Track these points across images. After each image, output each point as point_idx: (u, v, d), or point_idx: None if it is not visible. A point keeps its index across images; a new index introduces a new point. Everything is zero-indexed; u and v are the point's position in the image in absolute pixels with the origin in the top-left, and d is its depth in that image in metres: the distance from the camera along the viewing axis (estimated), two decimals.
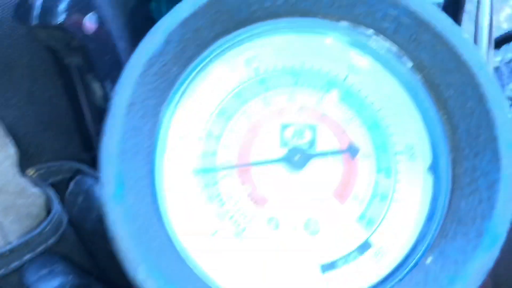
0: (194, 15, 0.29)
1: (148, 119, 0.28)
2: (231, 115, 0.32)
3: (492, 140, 0.27)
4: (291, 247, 0.29)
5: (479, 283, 0.24)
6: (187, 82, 0.31)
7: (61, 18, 0.36)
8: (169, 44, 0.28)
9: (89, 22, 0.39)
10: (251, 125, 0.31)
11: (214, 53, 0.31)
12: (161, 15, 0.53)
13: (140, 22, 0.51)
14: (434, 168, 0.30)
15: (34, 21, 0.36)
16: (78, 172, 0.45)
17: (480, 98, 0.27)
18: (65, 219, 0.44)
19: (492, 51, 0.41)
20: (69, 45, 0.39)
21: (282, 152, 0.31)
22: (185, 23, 0.28)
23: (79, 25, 0.38)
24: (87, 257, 0.47)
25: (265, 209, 0.30)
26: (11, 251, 0.40)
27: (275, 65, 0.33)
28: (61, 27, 0.36)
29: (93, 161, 0.47)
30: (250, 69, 0.33)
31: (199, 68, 0.31)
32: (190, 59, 0.30)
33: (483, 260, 0.24)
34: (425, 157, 0.31)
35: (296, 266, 0.29)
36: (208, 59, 0.31)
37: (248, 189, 0.30)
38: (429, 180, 0.30)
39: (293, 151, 0.30)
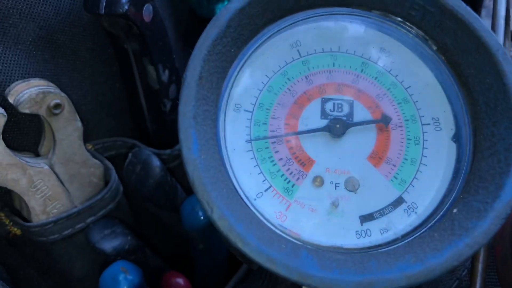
0: (250, 4, 0.34)
1: (213, 91, 0.33)
2: (278, 90, 0.37)
3: (508, 110, 0.31)
4: (334, 201, 0.34)
5: (498, 226, 0.29)
6: (242, 61, 0.36)
7: (125, 7, 0.41)
8: (229, 29, 0.33)
9: (147, 12, 0.44)
10: (295, 100, 0.36)
11: (265, 37, 0.36)
12: (201, 7, 0.59)
13: (181, 14, 0.56)
14: (457, 137, 0.35)
15: (102, 10, 0.41)
16: (131, 147, 0.50)
17: (497, 74, 0.32)
18: (121, 188, 0.50)
19: (509, 43, 0.45)
20: (130, 32, 0.44)
21: (323, 122, 0.36)
22: (242, 11, 0.33)
23: (139, 14, 0.43)
24: (135, 224, 0.52)
25: (311, 169, 0.35)
26: (78, 213, 0.46)
27: (316, 48, 0.38)
28: (124, 15, 0.41)
29: (142, 138, 0.53)
30: (295, 51, 0.38)
31: (252, 49, 0.36)
32: (245, 42, 0.35)
33: (502, 208, 0.29)
34: (449, 128, 0.36)
35: (338, 217, 0.33)
36: (260, 42, 0.36)
37: (295, 153, 0.35)
38: (453, 147, 0.35)
39: (334, 121, 0.35)
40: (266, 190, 0.34)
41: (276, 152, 0.35)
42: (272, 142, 0.35)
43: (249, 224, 0.30)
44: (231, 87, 0.35)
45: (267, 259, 0.28)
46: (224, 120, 0.34)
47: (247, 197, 0.33)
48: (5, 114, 0.40)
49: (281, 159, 0.35)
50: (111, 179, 0.50)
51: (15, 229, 0.49)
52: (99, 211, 0.50)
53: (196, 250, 0.53)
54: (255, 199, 0.33)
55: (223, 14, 0.33)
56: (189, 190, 0.55)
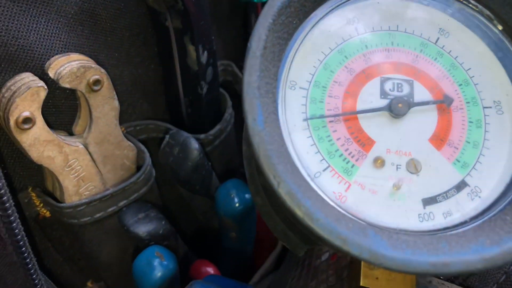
0: None
1: (274, 63, 0.32)
2: (335, 68, 0.35)
3: None
4: (395, 183, 0.32)
5: None
6: (303, 34, 0.34)
7: None
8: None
9: None
10: (353, 78, 0.35)
11: (325, 11, 0.35)
12: None
13: None
14: None
15: None
16: (165, 131, 0.49)
17: None
18: (153, 172, 0.48)
19: None
20: (174, 8, 0.43)
21: (383, 102, 0.34)
22: None
23: None
24: (165, 210, 0.50)
25: (371, 150, 0.33)
26: (111, 196, 0.44)
27: (374, 26, 0.36)
28: None
29: (175, 123, 0.51)
30: (353, 28, 0.36)
31: (312, 24, 0.35)
32: (307, 14, 0.34)
33: None
34: (511, 112, 0.34)
35: (400, 199, 0.32)
36: (320, 16, 0.35)
37: (354, 132, 0.34)
38: None
39: (396, 100, 0.34)
40: (324, 170, 0.32)
41: (334, 131, 0.33)
42: (330, 121, 0.34)
43: (316, 201, 0.28)
44: (290, 63, 0.34)
45: (337, 236, 0.27)
46: (284, 96, 0.33)
47: (308, 175, 0.31)
48: (45, 87, 0.39)
49: (339, 138, 0.33)
50: (145, 162, 0.48)
51: (45, 211, 0.47)
52: (132, 195, 0.48)
53: (227, 238, 0.51)
54: (314, 178, 0.32)
55: None
56: (221, 177, 0.54)
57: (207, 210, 0.52)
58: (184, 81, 0.49)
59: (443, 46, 0.36)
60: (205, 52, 0.48)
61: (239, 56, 0.60)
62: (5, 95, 0.38)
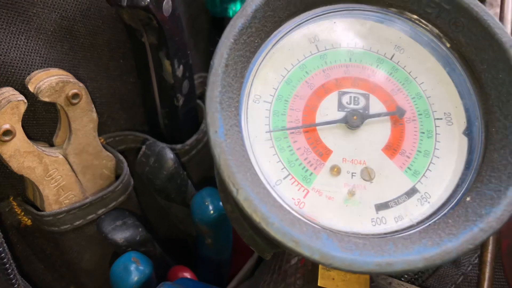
0: None
1: (237, 79, 0.34)
2: (296, 83, 0.38)
3: None
4: (350, 189, 0.35)
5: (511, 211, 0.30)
6: (263, 53, 0.37)
7: (147, 1, 0.42)
8: (254, 19, 0.34)
9: (167, 6, 0.45)
10: (313, 92, 0.38)
11: (286, 30, 0.38)
12: (214, 6, 0.60)
13: (194, 12, 0.57)
14: (469, 130, 0.37)
15: (125, 3, 0.42)
16: (143, 141, 0.51)
17: (510, 70, 0.33)
18: (131, 182, 0.50)
19: None
20: (149, 25, 0.46)
21: (340, 114, 0.37)
22: (267, 3, 0.35)
23: (160, 8, 0.44)
24: (143, 218, 0.52)
25: (329, 159, 0.36)
26: (90, 204, 0.46)
27: (333, 43, 0.39)
28: (146, 8, 0.42)
29: (153, 134, 0.53)
30: (313, 45, 0.39)
31: (273, 42, 0.37)
32: (268, 34, 0.36)
33: None
34: (460, 122, 0.37)
35: (355, 204, 0.35)
36: (281, 35, 0.38)
37: (313, 143, 0.36)
38: (464, 140, 0.36)
39: (351, 113, 0.36)
40: (284, 178, 0.35)
41: (295, 142, 0.36)
42: (291, 133, 0.36)
43: (272, 206, 0.31)
44: (253, 78, 0.36)
45: (290, 239, 0.29)
46: (246, 109, 0.35)
47: (268, 183, 0.34)
48: (25, 101, 0.41)
49: (299, 148, 0.36)
50: (123, 171, 0.51)
51: (26, 219, 0.49)
52: (110, 203, 0.50)
53: (204, 245, 0.53)
54: (274, 186, 0.34)
55: (250, 5, 0.34)
56: (198, 186, 0.56)
57: (184, 217, 0.54)
58: (160, 94, 0.51)
59: (398, 61, 0.39)
60: (181, 66, 0.51)
61: None
62: None
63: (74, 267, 0.54)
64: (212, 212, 0.50)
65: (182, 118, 0.54)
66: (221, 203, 0.51)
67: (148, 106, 0.53)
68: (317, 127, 0.36)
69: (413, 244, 0.31)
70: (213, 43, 0.61)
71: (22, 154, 0.43)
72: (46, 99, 0.42)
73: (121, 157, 0.51)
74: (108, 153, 0.50)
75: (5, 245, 0.42)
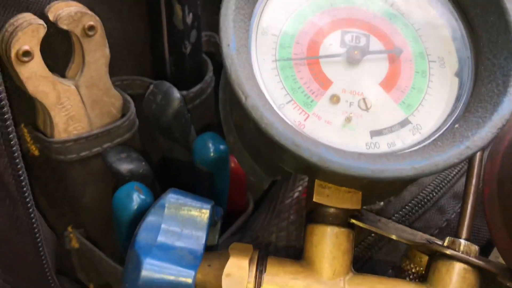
0: None
1: (249, 5, 0.37)
2: (303, 20, 0.41)
3: (508, 42, 0.36)
4: (347, 116, 0.38)
5: (494, 134, 0.33)
6: None
7: None
8: None
9: None
10: (318, 30, 0.40)
11: None
12: None
13: None
14: (460, 72, 0.40)
15: None
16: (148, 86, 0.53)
17: (500, 12, 0.37)
18: (137, 122, 0.53)
19: None
20: None
21: (343, 50, 0.40)
22: None
23: None
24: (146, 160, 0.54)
25: (329, 88, 0.38)
26: (96, 136, 0.49)
27: None
28: None
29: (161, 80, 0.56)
30: None
31: None
32: None
33: (498, 120, 0.33)
34: (453, 66, 0.40)
35: (351, 129, 0.37)
36: None
37: (316, 74, 0.39)
38: (455, 80, 0.39)
39: (353, 48, 0.39)
40: (287, 103, 0.38)
41: (298, 72, 0.39)
42: (296, 64, 0.39)
43: (277, 117, 0.34)
44: (261, 11, 0.39)
45: (292, 143, 0.32)
46: (256, 40, 0.38)
47: (274, 103, 0.36)
48: (45, 25, 0.44)
49: (302, 78, 0.38)
50: (130, 110, 0.53)
51: (34, 148, 0.51)
52: (115, 138, 0.53)
53: (201, 188, 0.56)
54: (277, 108, 0.37)
55: None
56: (200, 133, 0.58)
57: (185, 160, 0.56)
58: (170, 39, 0.54)
59: (398, 8, 0.42)
60: (191, 14, 0.53)
61: None
62: (8, 29, 0.43)
63: (75, 202, 0.56)
64: (212, 154, 0.53)
65: (188, 67, 0.56)
66: (222, 147, 0.54)
67: (156, 53, 0.56)
68: (320, 60, 0.39)
69: (404, 159, 0.34)
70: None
71: (38, 78, 0.45)
72: (64, 27, 0.45)
73: (129, 98, 0.53)
74: (116, 92, 0.53)
75: (25, 173, 0.44)
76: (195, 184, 0.58)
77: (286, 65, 0.39)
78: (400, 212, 0.49)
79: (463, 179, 0.50)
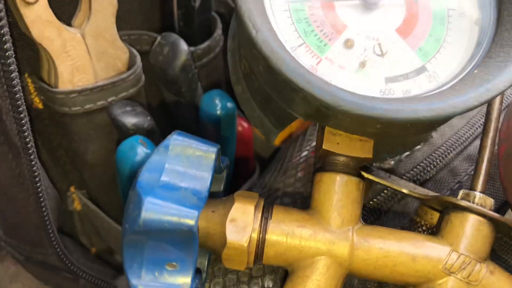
0: None
1: None
2: None
3: None
4: (362, 61, 0.36)
5: None
6: None
7: None
8: None
9: None
10: None
11: None
12: None
13: None
14: (480, 20, 0.38)
15: None
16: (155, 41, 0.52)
17: None
18: (143, 78, 0.51)
19: None
20: None
21: None
22: None
23: None
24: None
25: (343, 33, 0.37)
26: (101, 88, 0.47)
27: None
28: None
29: None
30: None
31: None
32: None
33: None
34: (472, 14, 0.39)
35: (365, 75, 0.36)
36: None
37: (329, 17, 0.37)
38: (475, 28, 0.38)
39: None
40: (299, 46, 0.36)
41: (312, 14, 0.37)
42: (309, 6, 0.37)
43: (288, 54, 0.32)
44: None
45: (304, 80, 0.31)
46: None
47: (286, 44, 0.35)
48: None
49: (315, 21, 0.37)
50: (136, 63, 0.52)
51: (38, 101, 0.50)
52: (120, 92, 0.51)
53: None
54: (290, 50, 0.35)
55: None
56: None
57: (191, 117, 0.55)
58: None
59: None
60: None
61: None
62: None
63: (79, 158, 0.55)
64: (219, 110, 0.51)
65: (197, 23, 0.55)
66: (229, 104, 0.53)
67: (165, 7, 0.54)
68: (335, 4, 0.38)
69: (419, 102, 0.32)
70: None
71: (44, 23, 0.44)
72: None
73: (135, 52, 0.52)
74: (123, 45, 0.51)
75: (29, 125, 0.43)
76: None
77: (298, 7, 0.37)
78: (411, 172, 0.47)
79: (477, 142, 0.49)
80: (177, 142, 0.34)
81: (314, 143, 0.52)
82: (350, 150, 0.36)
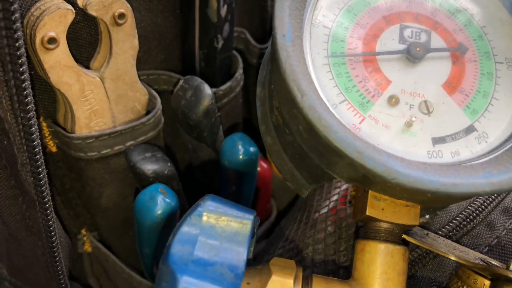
0: None
1: None
2: (358, 12, 0.37)
3: None
4: (408, 120, 0.34)
5: None
6: None
7: None
8: None
9: None
10: (374, 22, 0.37)
11: None
12: None
13: None
14: None
15: None
16: (176, 84, 0.50)
17: None
18: (162, 120, 0.49)
19: None
20: None
21: (402, 46, 0.36)
22: None
23: None
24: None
25: (387, 89, 0.34)
26: (119, 133, 0.45)
27: None
28: None
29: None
30: None
31: None
32: None
33: None
34: None
35: (411, 136, 0.33)
36: None
37: (372, 72, 0.35)
38: None
39: (414, 44, 0.35)
40: (340, 103, 0.34)
41: (353, 69, 0.35)
42: (350, 60, 0.35)
43: (335, 119, 0.30)
44: (316, 2, 0.35)
45: (354, 149, 0.28)
46: (310, 31, 0.34)
47: (327, 101, 0.32)
48: (74, 11, 0.40)
49: (357, 76, 0.35)
50: (156, 106, 0.49)
51: (52, 144, 0.48)
52: (139, 136, 0.49)
53: (227, 192, 0.52)
54: (332, 107, 0.33)
55: None
56: (225, 133, 0.55)
57: (212, 161, 0.53)
58: (201, 32, 0.50)
59: (461, 3, 0.38)
60: (225, 6, 0.50)
61: (253, 25, 0.61)
62: (34, 13, 0.39)
63: (92, 202, 0.52)
64: (241, 156, 0.49)
65: (219, 62, 0.53)
66: (251, 149, 0.50)
67: (186, 47, 0.52)
68: (377, 58, 0.35)
69: (477, 171, 0.30)
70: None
71: (62, 68, 0.41)
72: (94, 13, 0.41)
73: (155, 93, 0.49)
74: (142, 86, 0.49)
75: (45, 172, 0.40)
76: (220, 188, 0.54)
77: (339, 61, 0.35)
78: (447, 227, 0.44)
79: None
80: (211, 209, 0.32)
81: (341, 191, 0.50)
82: (395, 217, 0.33)
